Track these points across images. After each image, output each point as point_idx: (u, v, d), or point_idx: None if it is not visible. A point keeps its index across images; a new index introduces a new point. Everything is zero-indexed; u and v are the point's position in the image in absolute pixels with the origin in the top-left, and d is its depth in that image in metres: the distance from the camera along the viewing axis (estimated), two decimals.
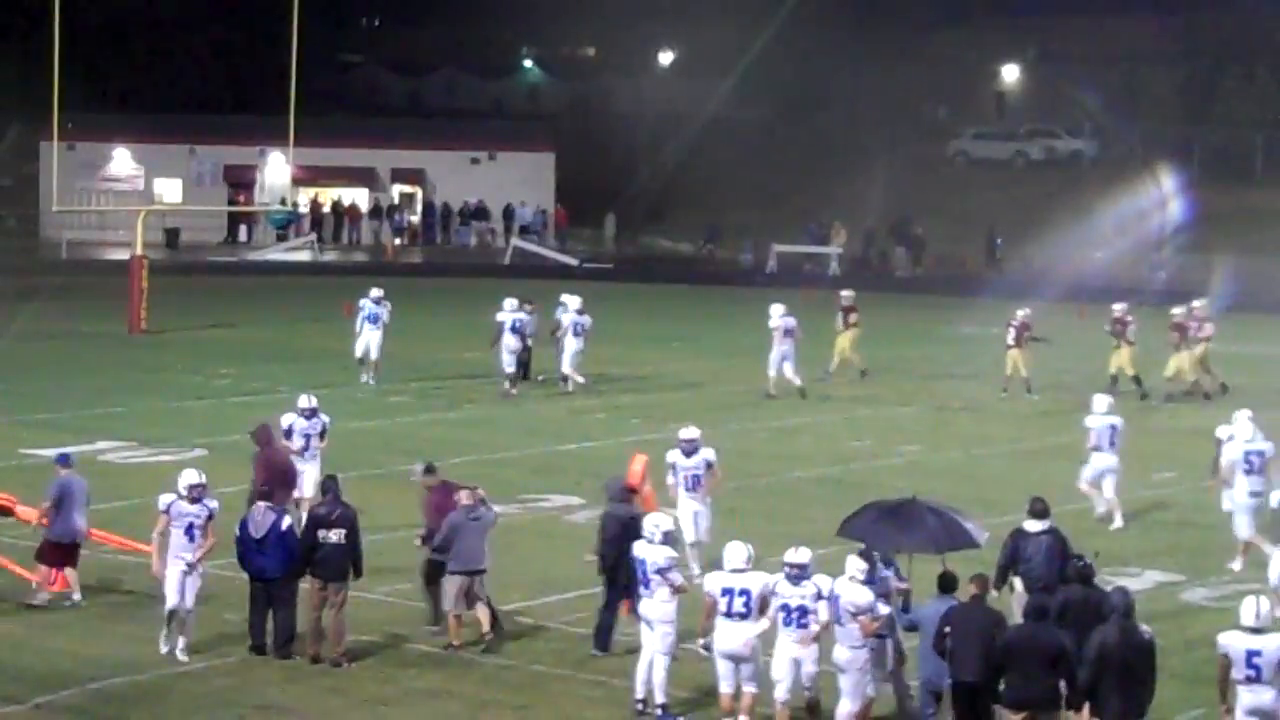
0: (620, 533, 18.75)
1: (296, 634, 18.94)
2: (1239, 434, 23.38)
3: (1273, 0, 73.30)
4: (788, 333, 36.35)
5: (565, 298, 37.42)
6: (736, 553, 16.90)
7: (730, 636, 16.73)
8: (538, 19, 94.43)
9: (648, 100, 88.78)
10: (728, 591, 16.73)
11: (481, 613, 19.47)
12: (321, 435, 24.51)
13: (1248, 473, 23.05)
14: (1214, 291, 48.08)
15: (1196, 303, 37.92)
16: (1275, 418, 35.13)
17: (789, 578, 16.44)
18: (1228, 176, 72.05)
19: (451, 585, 19.40)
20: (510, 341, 36.21)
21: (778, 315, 36.46)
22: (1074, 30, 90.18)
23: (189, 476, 19.26)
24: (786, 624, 16.45)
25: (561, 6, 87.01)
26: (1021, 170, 78.54)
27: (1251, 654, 15.07)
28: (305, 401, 24.61)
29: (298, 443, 24.21)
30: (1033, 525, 18.38)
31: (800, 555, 16.51)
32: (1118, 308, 37.12)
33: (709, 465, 22.23)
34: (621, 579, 18.64)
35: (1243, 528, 22.98)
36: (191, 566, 18.83)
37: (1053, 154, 79.80)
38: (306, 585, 19.04)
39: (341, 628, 18.83)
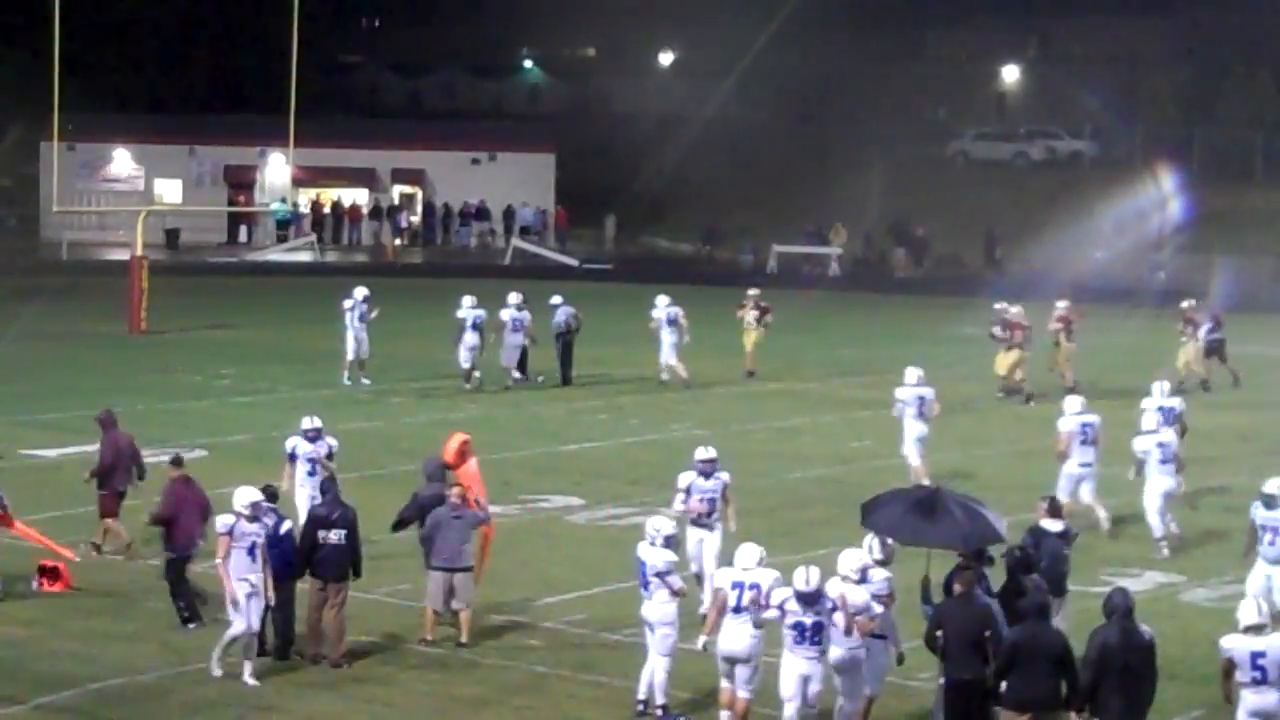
0: (420, 512, 19.71)
1: (295, 634, 18.94)
2: (1069, 409, 25.35)
3: (1273, 0, 73.28)
4: (672, 322, 37.61)
5: (511, 296, 37.81)
6: (749, 554, 16.88)
7: (733, 636, 16.70)
8: (538, 19, 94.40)
9: (648, 100, 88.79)
10: (738, 585, 16.70)
11: (464, 618, 19.49)
12: (328, 459, 22.50)
13: (1082, 444, 24.99)
14: (1213, 291, 48.15)
15: (1060, 303, 38.32)
16: (1275, 417, 35.29)
17: (800, 600, 16.09)
18: (1228, 176, 72.01)
19: (433, 582, 19.46)
20: (469, 339, 36.80)
21: (662, 306, 37.92)
22: (1074, 30, 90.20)
23: (249, 494, 18.55)
24: (798, 643, 16.14)
25: (561, 6, 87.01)
26: (1021, 170, 78.51)
27: (1256, 655, 15.03)
28: (309, 422, 22.53)
29: (302, 467, 22.31)
30: (1052, 524, 18.45)
31: (812, 581, 16.09)
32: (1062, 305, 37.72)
33: (725, 488, 20.71)
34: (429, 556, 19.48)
35: (1064, 492, 24.54)
36: (255, 587, 18.33)
37: (1053, 154, 79.76)
38: (306, 585, 19.05)
39: (341, 628, 18.84)
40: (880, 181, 71.45)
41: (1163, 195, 68.24)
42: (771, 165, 76.63)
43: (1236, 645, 15.13)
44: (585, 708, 17.73)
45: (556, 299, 38.63)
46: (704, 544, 20.64)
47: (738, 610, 16.62)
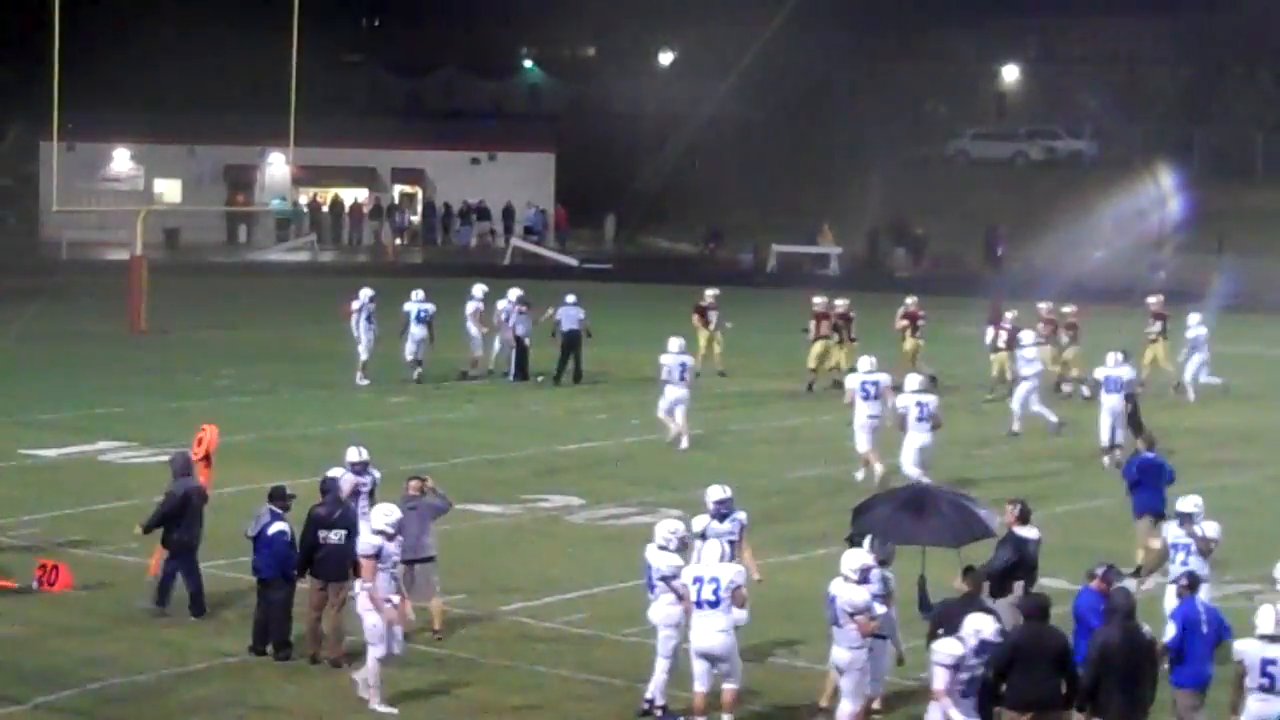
0: (180, 505, 20.22)
1: (291, 635, 18.92)
2: (861, 368, 28.64)
3: (1273, 0, 73.25)
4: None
5: (475, 288, 38.98)
6: (711, 550, 17.09)
7: (706, 632, 16.73)
8: (538, 19, 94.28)
9: (648, 100, 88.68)
10: (698, 580, 16.79)
11: (434, 608, 19.52)
12: (371, 493, 20.88)
13: (865, 399, 28.02)
14: (1211, 290, 48.12)
15: (910, 300, 39.03)
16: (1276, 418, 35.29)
17: (983, 650, 15.02)
18: (1228, 176, 72.00)
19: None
20: (415, 331, 37.35)
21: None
22: (1074, 30, 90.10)
23: (389, 512, 18.09)
24: (966, 695, 15.02)
25: (561, 6, 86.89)
26: (1021, 170, 78.46)
27: (1267, 663, 14.96)
28: (355, 454, 20.95)
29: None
30: (1028, 531, 18.55)
31: (987, 626, 15.14)
32: (842, 306, 38.57)
33: (743, 529, 19.25)
34: (181, 545, 20.04)
35: (862, 444, 28.04)
36: (396, 607, 17.91)
37: (1053, 154, 79.68)
38: (306, 585, 19.04)
39: (341, 628, 18.83)
40: (880, 181, 71.36)
41: (1163, 195, 68.20)
42: (771, 165, 76.52)
43: (1249, 650, 15.08)
44: (585, 708, 17.73)
45: (570, 298, 38.61)
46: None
47: (699, 604, 16.70)
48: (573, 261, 68.06)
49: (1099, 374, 30.95)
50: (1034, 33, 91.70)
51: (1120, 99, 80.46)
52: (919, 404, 27.15)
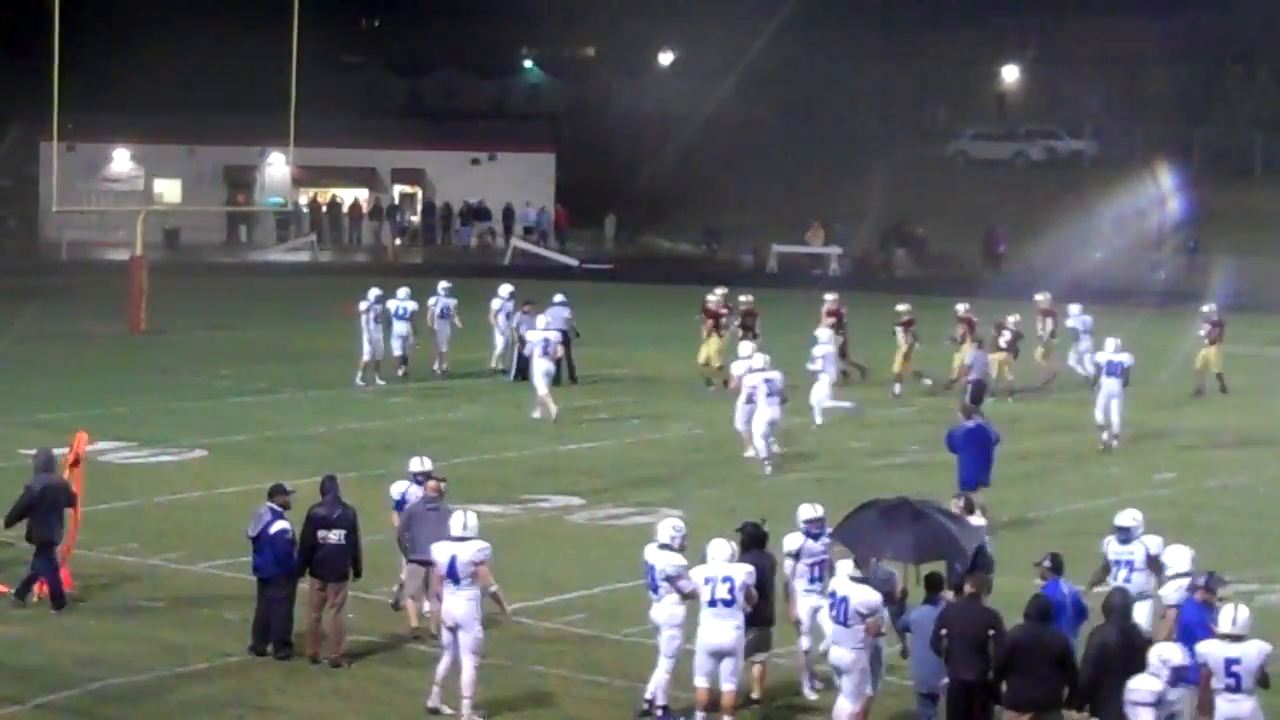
0: (37, 500, 20.52)
1: (292, 635, 18.91)
2: (754, 364, 29.66)
3: (1273, 0, 73.29)
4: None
5: (441, 284, 39.74)
6: (720, 549, 17.03)
7: (715, 630, 16.76)
8: (538, 19, 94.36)
9: (648, 100, 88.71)
10: (710, 580, 16.79)
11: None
12: None
13: (768, 395, 29.07)
14: (1212, 290, 48.11)
15: (830, 296, 39.46)
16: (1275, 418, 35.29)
17: (1172, 682, 14.74)
18: (1228, 176, 72.06)
19: (410, 575, 19.49)
20: (398, 328, 38.00)
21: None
22: (1074, 30, 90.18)
23: (471, 517, 17.75)
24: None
25: (561, 6, 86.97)
26: (1021, 170, 78.49)
27: (1230, 662, 14.88)
28: (418, 464, 20.30)
29: None
30: (976, 519, 18.83)
31: (1175, 655, 14.77)
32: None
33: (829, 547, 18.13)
34: (41, 540, 20.34)
35: (740, 424, 29.81)
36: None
37: (1053, 154, 79.72)
38: (306, 585, 19.04)
39: (341, 628, 18.83)
40: (880, 181, 71.37)
41: (1162, 195, 68.24)
42: (771, 165, 76.56)
43: (1212, 651, 15.03)
44: (585, 708, 17.73)
45: (558, 297, 38.67)
46: (819, 613, 17.60)
47: (712, 603, 16.73)
48: (573, 262, 68.07)
49: (1100, 359, 32.30)
50: (1034, 33, 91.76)
51: (1120, 99, 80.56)
52: (766, 380, 29.00)
